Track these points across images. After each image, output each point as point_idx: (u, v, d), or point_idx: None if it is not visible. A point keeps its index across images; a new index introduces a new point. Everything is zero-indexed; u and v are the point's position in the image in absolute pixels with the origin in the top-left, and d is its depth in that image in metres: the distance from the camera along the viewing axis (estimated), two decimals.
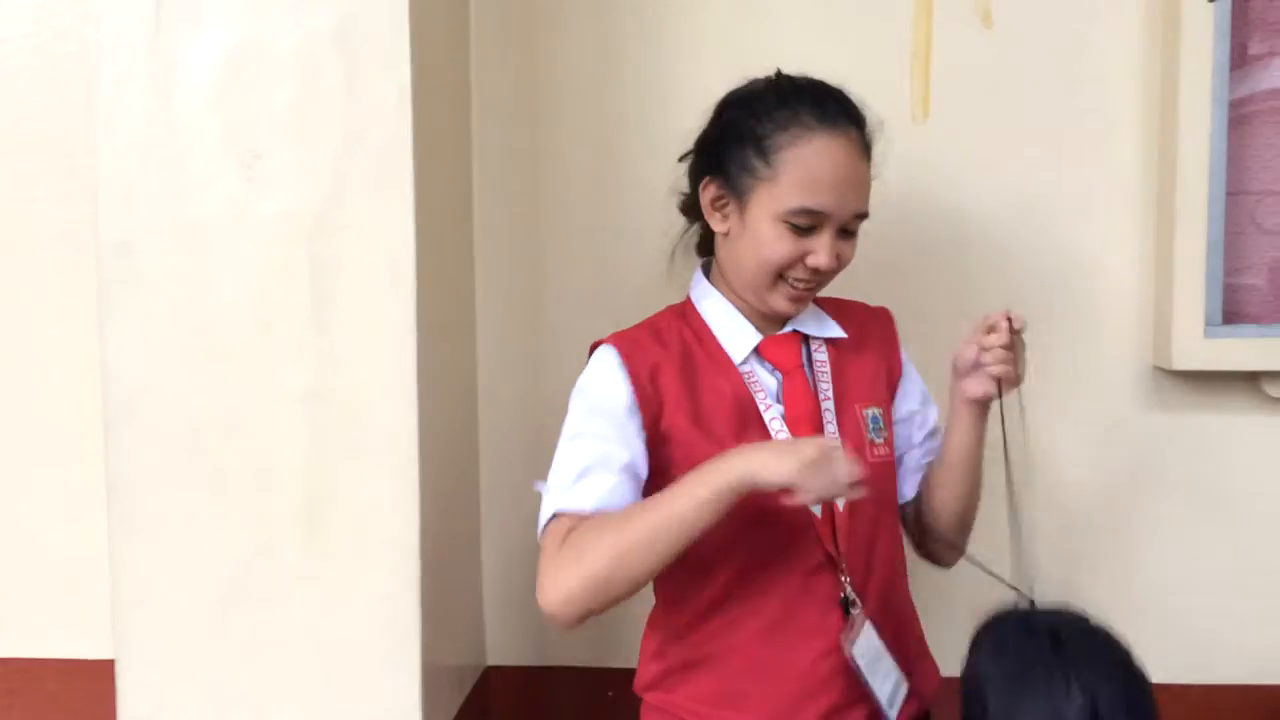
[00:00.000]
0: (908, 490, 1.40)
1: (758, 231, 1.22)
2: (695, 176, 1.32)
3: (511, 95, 1.77)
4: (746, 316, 1.30)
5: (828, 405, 1.27)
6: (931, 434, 1.40)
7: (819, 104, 1.22)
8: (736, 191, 1.24)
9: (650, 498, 1.15)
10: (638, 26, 1.74)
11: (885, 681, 1.22)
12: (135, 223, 1.45)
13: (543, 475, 1.77)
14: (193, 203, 1.43)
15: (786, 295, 1.25)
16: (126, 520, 1.47)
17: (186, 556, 1.46)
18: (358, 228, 1.41)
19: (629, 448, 1.21)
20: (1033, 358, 1.68)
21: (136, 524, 1.47)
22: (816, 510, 1.22)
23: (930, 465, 1.38)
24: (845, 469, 1.09)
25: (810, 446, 1.09)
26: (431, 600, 1.49)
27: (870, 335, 1.36)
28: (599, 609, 1.15)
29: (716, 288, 1.32)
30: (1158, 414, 1.72)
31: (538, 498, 1.78)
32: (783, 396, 1.27)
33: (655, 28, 1.74)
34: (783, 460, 1.08)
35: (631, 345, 1.26)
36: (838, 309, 1.37)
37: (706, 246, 1.39)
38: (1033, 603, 1.21)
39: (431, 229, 1.49)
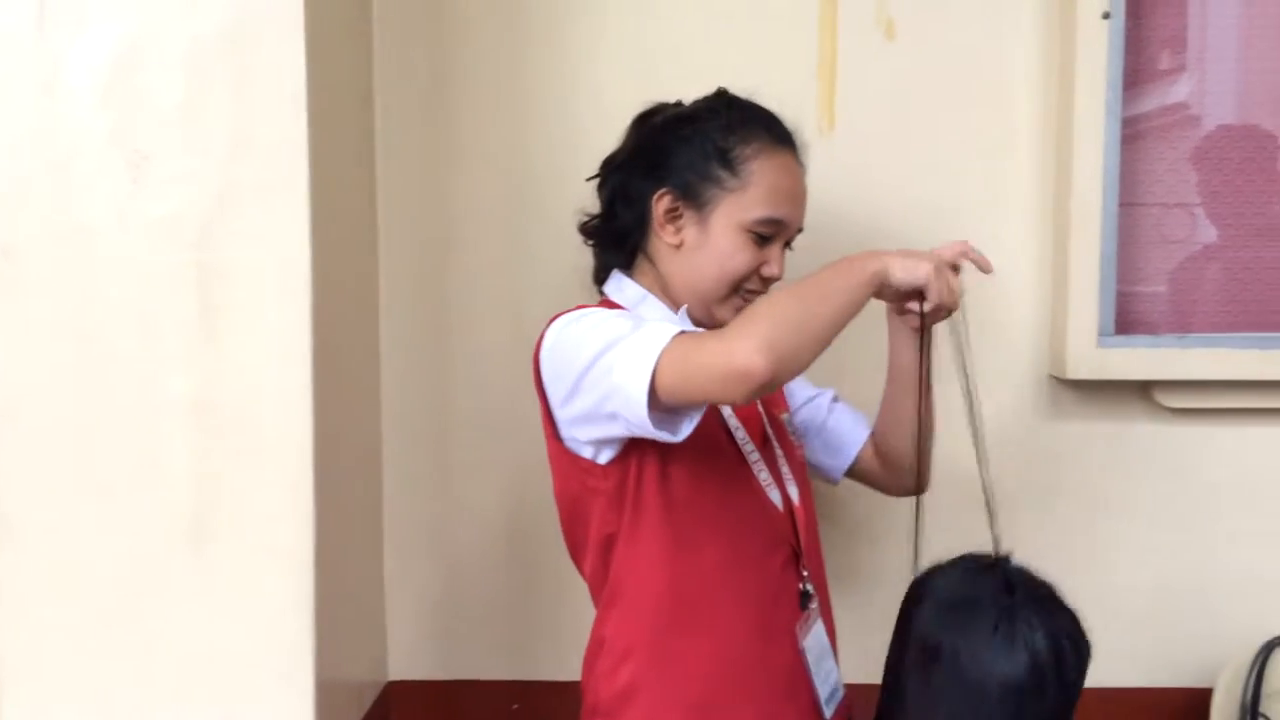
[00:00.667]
0: (858, 437, 1.46)
1: (720, 241, 1.26)
2: (630, 192, 1.33)
3: (417, 98, 1.74)
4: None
5: (760, 409, 1.34)
6: (825, 395, 1.50)
7: (771, 125, 1.30)
8: (698, 203, 1.27)
9: (798, 283, 1.16)
10: (543, 29, 1.73)
11: (826, 681, 1.26)
12: (17, 225, 1.39)
13: (450, 483, 1.77)
14: (77, 205, 1.38)
15: (735, 308, 1.28)
16: (6, 532, 1.41)
17: (69, 570, 1.41)
18: (248, 233, 1.37)
19: None
20: (935, 364, 1.73)
21: (16, 536, 1.41)
22: (777, 502, 1.28)
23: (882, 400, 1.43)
24: (958, 282, 1.19)
25: (933, 256, 1.18)
26: (327, 614, 1.45)
27: None
28: (791, 362, 1.11)
29: (657, 299, 1.32)
30: (1053, 422, 1.75)
31: (442, 511, 1.78)
32: (735, 410, 1.31)
33: (560, 32, 1.73)
34: (919, 264, 1.16)
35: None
36: None
37: (604, 275, 1.40)
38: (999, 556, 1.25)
39: (329, 235, 1.46)
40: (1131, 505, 1.76)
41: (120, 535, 1.40)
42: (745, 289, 1.28)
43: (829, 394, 1.51)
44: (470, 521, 1.78)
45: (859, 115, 1.72)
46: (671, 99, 1.72)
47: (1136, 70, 1.73)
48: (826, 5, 1.71)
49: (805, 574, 1.27)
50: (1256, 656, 1.67)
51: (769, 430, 1.34)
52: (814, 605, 1.28)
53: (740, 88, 1.38)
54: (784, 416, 1.40)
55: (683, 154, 1.28)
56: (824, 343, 1.12)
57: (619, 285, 1.35)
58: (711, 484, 1.24)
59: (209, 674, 1.42)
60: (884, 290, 1.17)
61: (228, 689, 1.42)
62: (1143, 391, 1.74)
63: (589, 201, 1.73)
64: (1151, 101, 1.75)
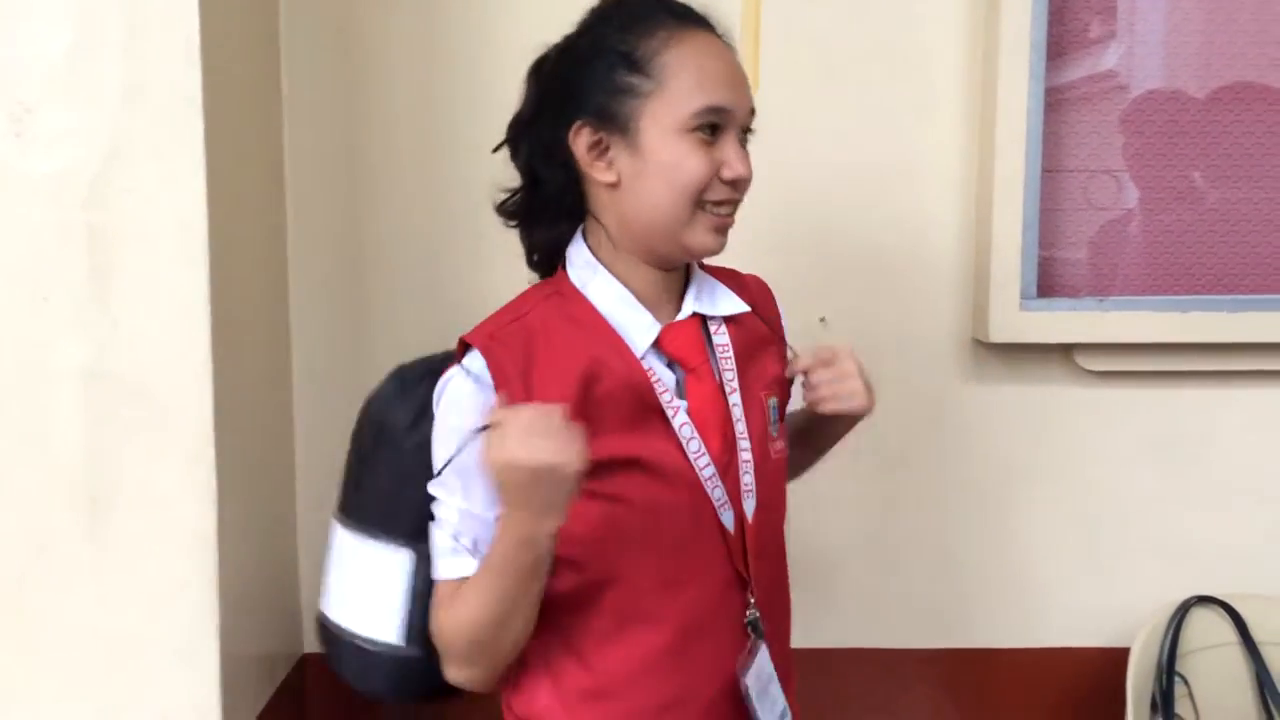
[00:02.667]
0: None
1: (660, 156, 1.06)
2: (547, 144, 1.13)
3: (325, 48, 1.68)
4: (642, 300, 1.12)
5: (735, 400, 1.13)
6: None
7: (668, 8, 1.10)
8: (618, 123, 1.07)
9: (478, 575, 1.04)
10: None
11: (770, 712, 1.13)
12: None
13: None
14: None
15: (710, 225, 1.09)
16: None
17: None
18: (141, 191, 1.30)
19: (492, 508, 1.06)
20: (859, 328, 1.71)
21: None
22: (729, 524, 1.11)
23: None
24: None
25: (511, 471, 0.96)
26: (234, 588, 1.41)
27: (757, 306, 1.22)
28: (503, 658, 1.07)
29: (602, 264, 1.13)
30: (976, 385, 1.76)
31: None
32: (687, 393, 1.12)
33: None
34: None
35: (500, 350, 1.08)
36: (726, 276, 1.23)
37: (548, 261, 1.19)
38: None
39: (229, 195, 1.40)
40: (1053, 467, 1.77)
41: (8, 511, 1.34)
42: (710, 202, 1.08)
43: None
44: None
45: (783, 72, 1.69)
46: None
47: (1066, 38, 1.72)
48: None
49: (752, 600, 1.13)
50: (1173, 617, 1.70)
51: (742, 426, 1.14)
52: (758, 636, 1.13)
53: None
54: (771, 401, 1.18)
55: (585, 76, 1.09)
56: (531, 618, 1.05)
57: (575, 256, 1.15)
58: (645, 511, 1.09)
59: (110, 653, 1.37)
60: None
61: (128, 667, 1.37)
62: (1064, 355, 1.75)
63: (504, 158, 1.69)
64: (1081, 69, 1.75)
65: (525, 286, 1.23)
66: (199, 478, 1.34)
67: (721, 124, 1.07)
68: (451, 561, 1.07)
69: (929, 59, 1.71)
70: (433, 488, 1.09)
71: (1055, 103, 1.72)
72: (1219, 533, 1.78)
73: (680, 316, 1.13)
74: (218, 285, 1.34)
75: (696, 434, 1.09)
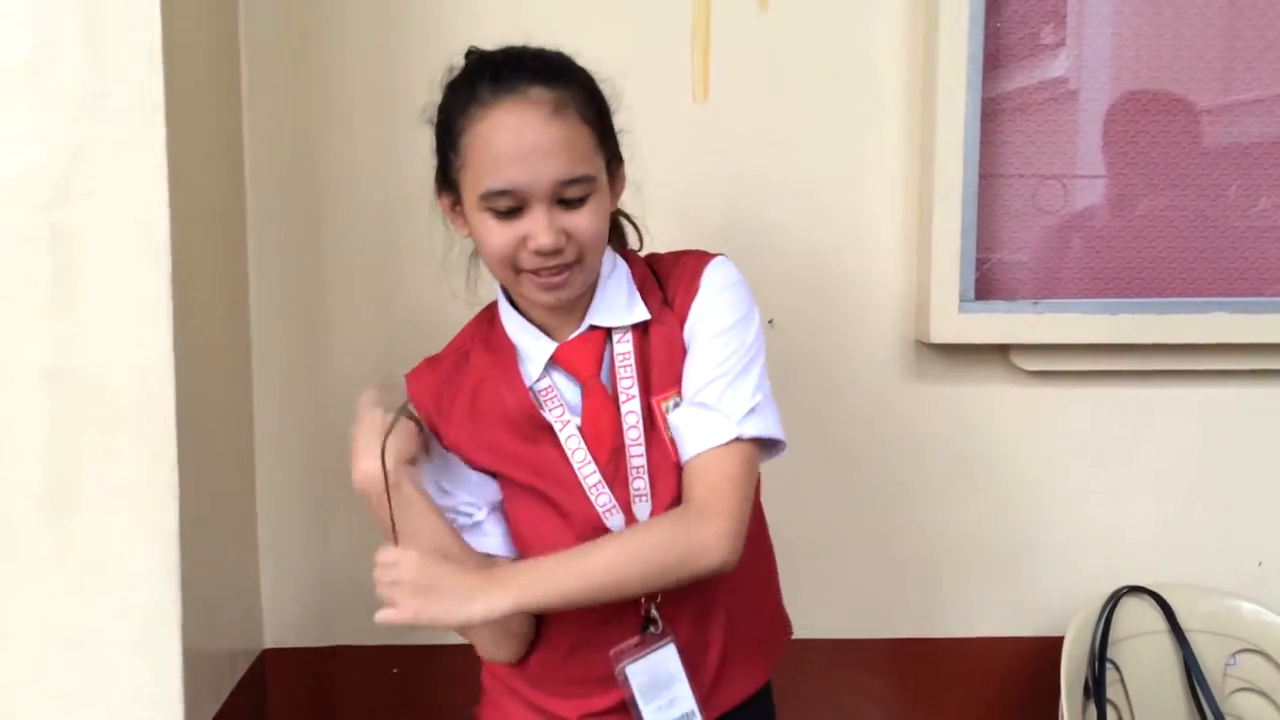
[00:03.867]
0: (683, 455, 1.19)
1: (475, 227, 1.14)
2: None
3: (285, 52, 1.70)
4: (538, 323, 1.20)
5: (630, 407, 1.17)
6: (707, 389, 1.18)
7: (495, 73, 1.11)
8: (455, 193, 1.16)
9: None
10: None
11: (665, 710, 1.16)
12: None
13: (325, 450, 1.76)
14: None
15: (535, 285, 1.13)
16: None
17: None
18: (103, 194, 1.33)
19: (469, 490, 1.24)
20: (806, 330, 1.77)
21: None
22: (617, 527, 1.16)
23: None
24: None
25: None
26: (195, 584, 1.43)
27: (677, 297, 1.21)
28: None
29: (506, 293, 1.23)
30: (918, 384, 1.82)
31: (318, 476, 1.77)
32: (583, 406, 1.18)
33: None
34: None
35: (420, 381, 1.26)
36: (656, 270, 1.25)
37: None
38: None
39: (191, 197, 1.42)
40: (990, 462, 1.83)
41: None
42: (528, 267, 1.12)
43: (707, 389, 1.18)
44: (347, 487, 1.75)
45: (732, 85, 1.74)
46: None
47: (1016, 45, 1.78)
48: None
49: (655, 600, 1.17)
50: (1104, 606, 1.77)
51: (637, 433, 1.17)
52: (654, 630, 1.17)
53: (613, 57, 1.25)
54: (665, 405, 1.18)
55: (436, 145, 1.19)
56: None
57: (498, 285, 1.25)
58: (535, 522, 1.20)
59: (71, 649, 1.38)
60: None
61: (90, 662, 1.38)
62: (1001, 355, 1.81)
63: None
64: (1033, 76, 1.81)
65: (486, 287, 1.29)
66: (161, 475, 1.37)
67: (518, 201, 1.09)
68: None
69: (872, 71, 1.76)
70: None
71: (1003, 109, 1.78)
72: (1148, 525, 1.85)
73: (575, 334, 1.20)
74: (179, 285, 1.36)
75: (584, 445, 1.17)
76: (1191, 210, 1.83)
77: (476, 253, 1.25)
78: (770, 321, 1.77)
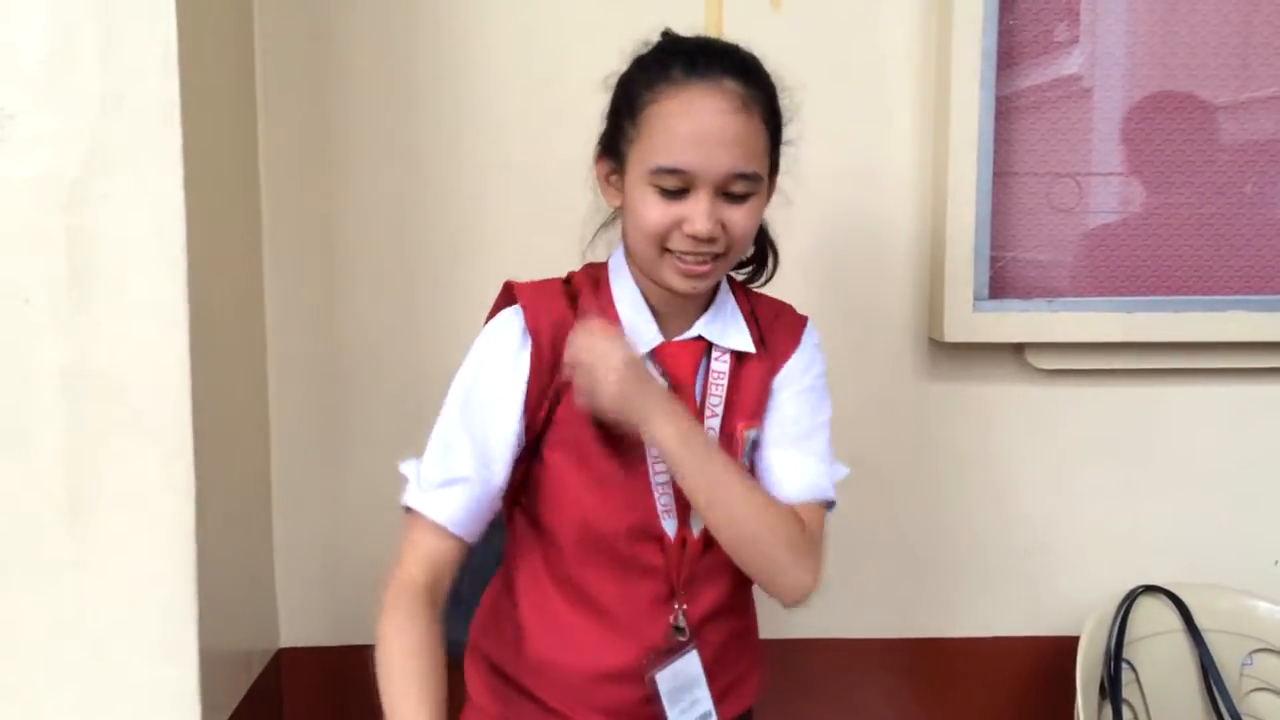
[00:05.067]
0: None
1: (632, 198, 1.13)
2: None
3: (300, 57, 1.71)
4: (653, 308, 1.20)
5: (713, 423, 1.19)
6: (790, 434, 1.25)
7: (690, 58, 1.12)
8: (619, 161, 1.16)
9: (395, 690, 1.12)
10: None
11: (687, 712, 1.18)
12: None
13: (340, 451, 1.76)
14: None
15: (676, 269, 1.13)
16: None
17: None
18: (119, 196, 1.34)
19: (507, 432, 1.15)
20: (821, 328, 1.77)
21: None
22: (670, 530, 1.17)
23: None
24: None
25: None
26: (212, 584, 1.44)
27: (773, 346, 1.25)
28: None
29: (628, 269, 1.21)
30: (932, 383, 1.82)
31: (331, 477, 1.78)
32: None
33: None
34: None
35: (539, 306, 1.17)
36: (755, 309, 1.27)
37: None
38: None
39: (206, 200, 1.43)
40: (1004, 461, 1.83)
41: None
42: (677, 250, 1.12)
43: (794, 434, 1.24)
44: (360, 487, 1.77)
45: None
46: (555, 68, 1.73)
47: (1030, 43, 1.78)
48: None
49: (682, 609, 1.18)
50: (1120, 606, 1.76)
51: None
52: (684, 639, 1.18)
53: (626, 56, 1.26)
54: (750, 433, 1.21)
55: (610, 111, 1.19)
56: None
57: (617, 250, 1.24)
58: (580, 491, 1.17)
59: (90, 648, 1.40)
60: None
61: (109, 661, 1.40)
62: (1016, 353, 1.81)
63: (479, 155, 1.74)
64: (1046, 73, 1.80)
65: (498, 287, 1.29)
66: (178, 475, 1.38)
67: (685, 183, 1.09)
68: (443, 498, 1.15)
69: (885, 70, 1.76)
70: (449, 418, 1.17)
71: (1018, 106, 1.78)
72: (1164, 524, 1.84)
73: (682, 336, 1.20)
74: (195, 287, 1.38)
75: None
76: (1206, 208, 1.82)
77: (609, 223, 1.26)
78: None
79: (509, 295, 1.21)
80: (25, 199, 1.34)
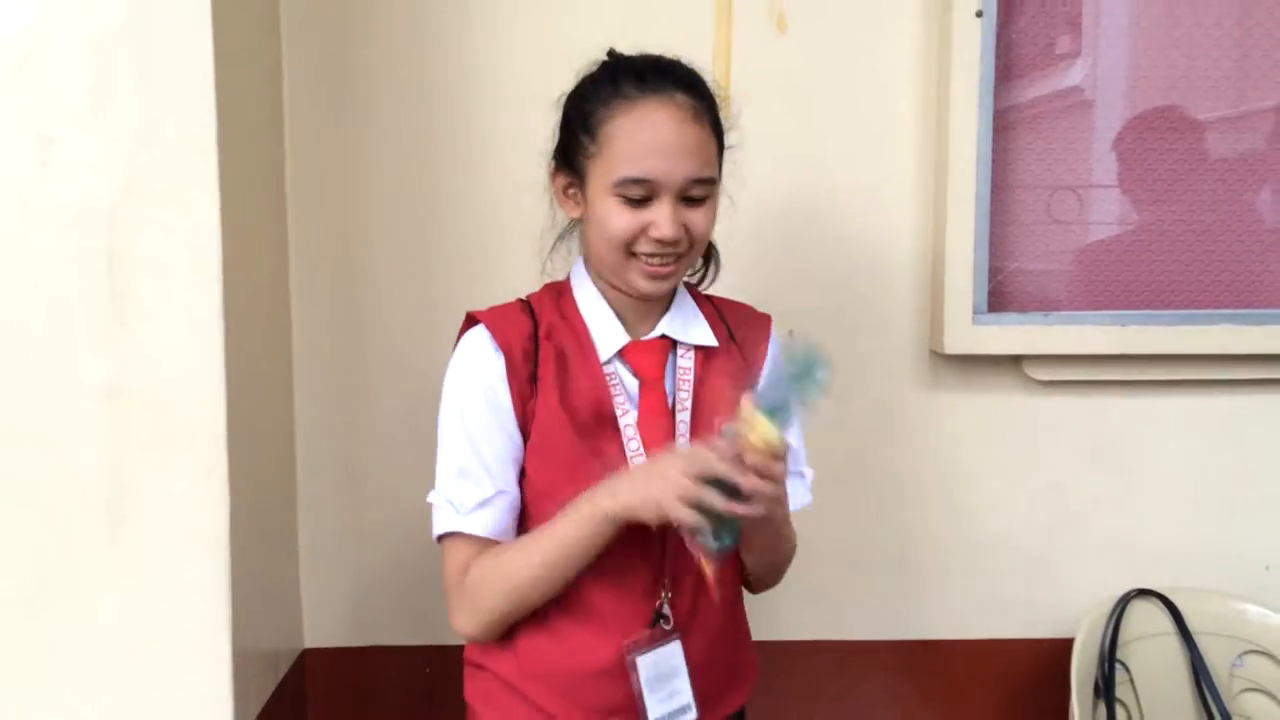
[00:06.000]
0: None
1: (597, 209, 1.21)
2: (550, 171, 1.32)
3: (326, 89, 1.78)
4: (616, 312, 1.28)
5: (683, 417, 1.26)
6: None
7: (639, 75, 1.22)
8: (578, 175, 1.24)
9: (537, 534, 1.20)
10: (449, 21, 1.77)
11: (665, 702, 1.23)
12: None
13: (362, 461, 1.82)
14: None
15: (642, 272, 1.22)
16: None
17: None
18: (158, 220, 1.40)
19: (508, 438, 1.23)
20: (825, 340, 1.83)
21: None
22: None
23: None
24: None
25: (668, 477, 1.10)
26: (243, 590, 1.50)
27: (745, 342, 1.34)
28: (508, 620, 1.24)
29: (590, 277, 1.30)
30: (933, 393, 1.88)
31: (353, 486, 1.84)
32: (639, 403, 1.26)
33: (465, 25, 1.77)
34: (650, 499, 1.12)
35: (502, 322, 1.26)
36: (720, 311, 1.36)
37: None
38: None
39: (239, 224, 1.49)
40: (1003, 469, 1.90)
41: (33, 517, 1.43)
42: (643, 253, 1.21)
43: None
44: (379, 497, 1.83)
45: (752, 104, 1.79)
46: (570, 86, 1.79)
47: (1033, 55, 1.84)
48: None
49: (667, 595, 1.24)
50: (1114, 608, 1.82)
51: (684, 441, 1.25)
52: (668, 627, 1.23)
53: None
54: (726, 428, 1.21)
55: (563, 128, 1.28)
56: (545, 597, 1.21)
57: (576, 265, 1.33)
58: (556, 488, 1.22)
59: (130, 651, 1.45)
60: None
61: (149, 664, 1.46)
62: (1014, 365, 1.87)
63: (492, 190, 1.80)
64: (1047, 86, 1.86)
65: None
66: (213, 487, 1.44)
67: (649, 192, 1.19)
68: (482, 516, 1.22)
69: (887, 89, 1.82)
70: (456, 443, 1.24)
71: (1018, 120, 1.84)
72: (1157, 530, 1.90)
73: (648, 336, 1.28)
74: (230, 307, 1.43)
75: (638, 437, 1.24)
76: (1198, 223, 1.88)
77: (567, 232, 1.36)
78: (790, 332, 1.83)
79: (471, 321, 1.29)
80: (68, 222, 1.40)
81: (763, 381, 1.28)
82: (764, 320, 1.39)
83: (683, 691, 1.24)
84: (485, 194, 1.80)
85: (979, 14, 1.74)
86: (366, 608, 1.86)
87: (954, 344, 1.81)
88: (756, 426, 1.10)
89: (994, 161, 1.81)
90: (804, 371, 1.13)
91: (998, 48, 1.79)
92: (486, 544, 1.23)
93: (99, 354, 1.41)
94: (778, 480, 1.13)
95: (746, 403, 1.11)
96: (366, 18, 1.76)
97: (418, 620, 1.84)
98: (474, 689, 1.34)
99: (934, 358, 1.87)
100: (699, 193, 1.21)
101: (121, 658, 1.45)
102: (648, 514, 1.13)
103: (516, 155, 1.79)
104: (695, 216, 1.22)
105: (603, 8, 1.78)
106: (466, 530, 1.22)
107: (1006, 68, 1.83)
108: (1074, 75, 1.89)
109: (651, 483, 1.13)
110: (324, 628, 1.86)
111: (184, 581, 1.45)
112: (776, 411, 1.11)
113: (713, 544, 1.14)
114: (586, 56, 1.78)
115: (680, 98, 1.20)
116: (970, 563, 1.91)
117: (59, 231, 1.40)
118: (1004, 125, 1.84)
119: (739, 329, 1.35)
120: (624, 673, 1.22)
